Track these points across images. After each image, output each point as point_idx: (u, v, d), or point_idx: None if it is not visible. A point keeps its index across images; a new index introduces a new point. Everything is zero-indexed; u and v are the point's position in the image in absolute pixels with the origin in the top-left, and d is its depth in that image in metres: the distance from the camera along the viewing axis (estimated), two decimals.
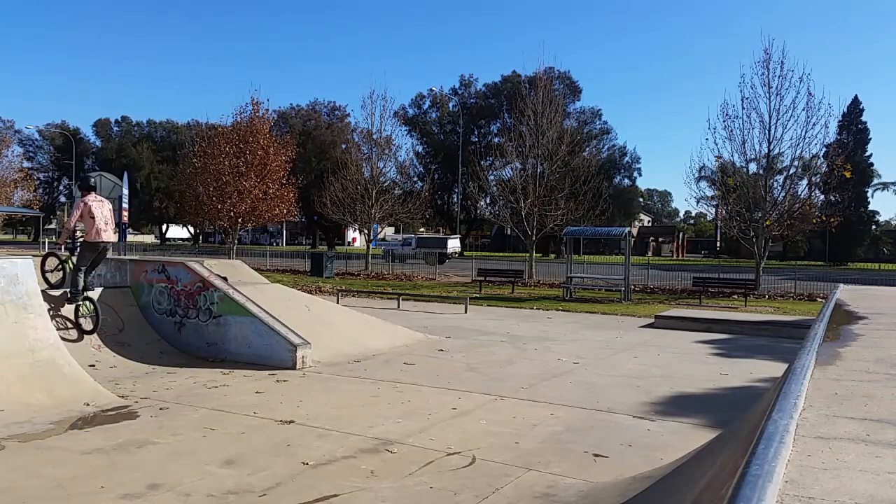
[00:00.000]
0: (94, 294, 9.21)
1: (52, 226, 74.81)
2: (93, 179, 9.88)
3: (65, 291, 9.06)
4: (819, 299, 20.24)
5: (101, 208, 8.98)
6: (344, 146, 47.36)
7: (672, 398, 7.91)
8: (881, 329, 4.79)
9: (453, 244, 46.16)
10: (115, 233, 9.24)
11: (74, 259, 9.17)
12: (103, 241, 8.94)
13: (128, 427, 6.16)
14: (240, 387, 7.90)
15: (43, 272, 9.46)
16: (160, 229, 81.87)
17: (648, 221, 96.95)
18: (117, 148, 72.73)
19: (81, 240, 9.03)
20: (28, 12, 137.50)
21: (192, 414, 6.67)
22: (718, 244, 62.50)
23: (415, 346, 11.15)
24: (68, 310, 8.98)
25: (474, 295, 20.99)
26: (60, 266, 9.60)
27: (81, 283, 8.92)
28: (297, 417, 6.57)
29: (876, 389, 2.75)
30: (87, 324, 8.87)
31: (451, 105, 63.09)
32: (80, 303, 8.87)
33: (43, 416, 6.28)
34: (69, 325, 8.84)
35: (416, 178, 53.24)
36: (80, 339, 8.72)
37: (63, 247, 9.54)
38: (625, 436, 6.24)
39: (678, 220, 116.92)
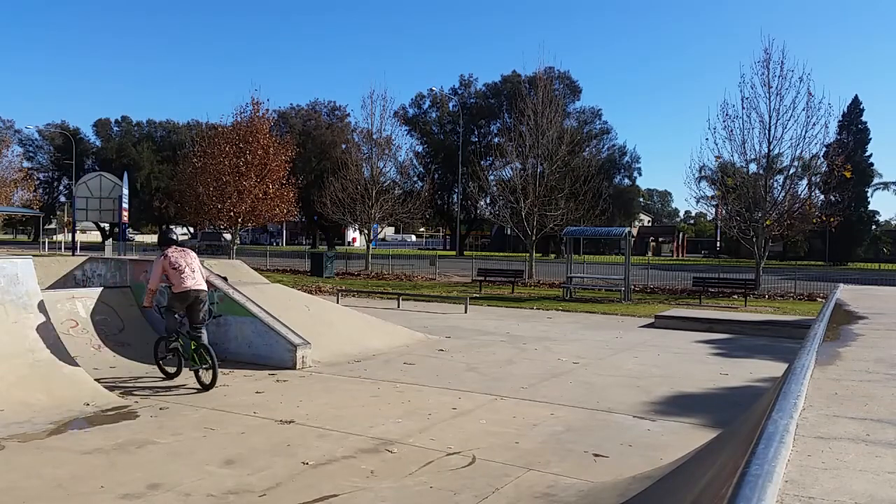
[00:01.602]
0: (200, 334, 8.02)
1: (52, 226, 74.74)
2: (174, 234, 8.57)
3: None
4: (819, 299, 20.24)
5: (185, 257, 8.10)
6: (344, 146, 47.38)
7: (672, 398, 7.91)
8: (881, 329, 4.79)
9: (227, 236, 55.38)
10: (204, 278, 8.21)
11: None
12: (193, 289, 7.88)
13: (128, 427, 6.16)
14: (240, 387, 7.90)
15: (157, 359, 8.29)
16: (161, 229, 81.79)
17: (648, 221, 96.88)
18: (117, 148, 72.67)
19: (169, 294, 8.06)
20: (28, 13, 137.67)
21: (192, 414, 6.67)
22: (718, 244, 62.47)
23: (415, 346, 11.15)
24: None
25: (474, 295, 20.99)
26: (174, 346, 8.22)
27: (174, 335, 7.94)
28: (297, 417, 6.57)
29: (876, 389, 2.75)
30: (206, 376, 7.73)
31: (451, 105, 63.00)
32: (194, 356, 7.76)
33: (43, 416, 6.28)
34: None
35: (416, 178, 53.24)
36: (203, 390, 7.68)
37: (168, 321, 8.14)
38: (625, 436, 6.24)
39: (678, 220, 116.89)
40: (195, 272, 8.04)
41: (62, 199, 74.97)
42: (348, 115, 64.63)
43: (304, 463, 5.25)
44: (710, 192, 26.75)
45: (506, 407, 7.24)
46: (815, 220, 24.80)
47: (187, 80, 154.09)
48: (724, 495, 1.68)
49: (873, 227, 56.50)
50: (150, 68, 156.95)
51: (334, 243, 64.88)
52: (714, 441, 4.18)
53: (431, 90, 62.87)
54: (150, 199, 69.69)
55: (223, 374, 8.57)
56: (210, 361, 7.62)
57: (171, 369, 8.12)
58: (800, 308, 18.62)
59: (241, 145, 30.75)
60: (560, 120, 31.73)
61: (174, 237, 8.46)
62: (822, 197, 28.60)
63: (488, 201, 38.71)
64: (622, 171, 61.70)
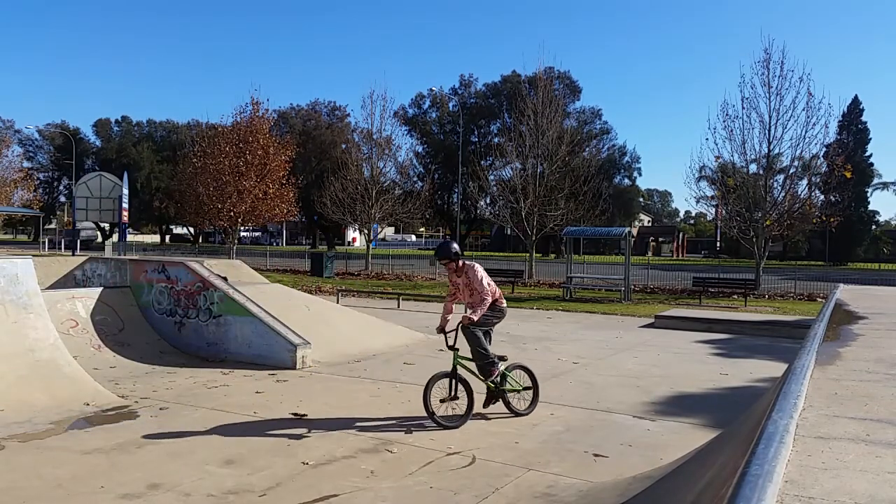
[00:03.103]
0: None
1: (52, 226, 74.70)
2: (455, 246, 6.77)
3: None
4: (819, 299, 20.23)
5: None
6: (344, 146, 47.30)
7: (672, 398, 7.91)
8: (881, 329, 4.79)
9: (85, 233, 61.59)
10: None
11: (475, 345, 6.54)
12: (506, 305, 6.86)
13: (128, 427, 6.16)
14: (240, 387, 7.90)
15: (428, 402, 6.22)
16: (161, 229, 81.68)
17: (648, 221, 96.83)
18: (117, 148, 72.62)
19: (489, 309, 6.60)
20: (28, 12, 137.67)
21: (192, 414, 6.67)
22: (718, 244, 62.48)
23: (415, 345, 11.15)
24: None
25: None
26: (459, 387, 6.45)
27: (494, 359, 6.57)
28: None
29: (876, 389, 2.75)
30: (521, 402, 6.74)
31: (451, 105, 62.96)
32: (504, 387, 6.62)
33: (43, 416, 6.28)
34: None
35: (416, 178, 53.18)
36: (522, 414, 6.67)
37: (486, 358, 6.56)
38: (625, 436, 6.24)
39: (678, 220, 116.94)
40: None
41: (62, 199, 74.96)
42: (348, 115, 64.60)
43: (304, 463, 5.25)
44: (710, 192, 26.77)
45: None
46: (815, 220, 24.82)
47: (187, 80, 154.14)
48: (724, 495, 1.68)
49: (873, 227, 56.58)
50: (150, 68, 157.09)
51: (334, 243, 64.86)
52: (714, 441, 4.18)
53: (431, 90, 62.86)
54: (150, 199, 69.64)
55: (223, 374, 8.58)
56: (531, 381, 6.81)
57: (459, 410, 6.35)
58: (800, 308, 18.62)
59: (241, 145, 30.78)
60: (560, 120, 31.72)
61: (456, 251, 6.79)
62: (822, 197, 28.59)
63: (488, 201, 38.69)
64: (622, 171, 61.73)
